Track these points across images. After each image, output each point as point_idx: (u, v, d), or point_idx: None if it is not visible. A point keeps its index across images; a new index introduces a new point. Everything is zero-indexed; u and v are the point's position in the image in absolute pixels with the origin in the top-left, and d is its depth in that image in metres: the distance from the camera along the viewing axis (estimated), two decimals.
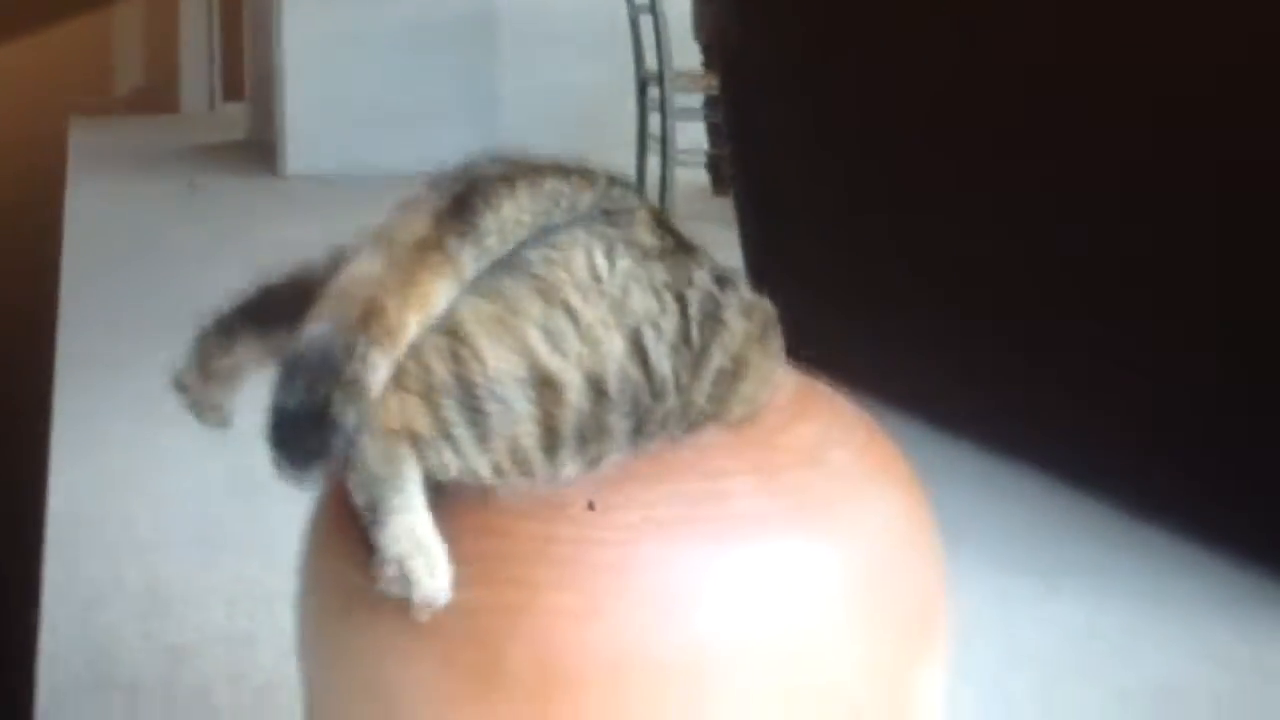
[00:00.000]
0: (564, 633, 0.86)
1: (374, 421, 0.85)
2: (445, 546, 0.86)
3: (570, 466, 0.88)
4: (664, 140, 4.71)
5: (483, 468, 0.87)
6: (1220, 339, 1.92)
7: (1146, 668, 1.68)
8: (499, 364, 0.86)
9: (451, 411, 0.87)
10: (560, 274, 0.88)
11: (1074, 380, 2.10)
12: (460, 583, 0.87)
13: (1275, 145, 1.79)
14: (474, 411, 0.86)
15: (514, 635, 0.86)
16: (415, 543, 0.85)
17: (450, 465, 0.87)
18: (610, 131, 5.02)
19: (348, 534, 0.92)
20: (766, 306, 0.96)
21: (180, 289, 3.64)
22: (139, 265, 4.22)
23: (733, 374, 0.92)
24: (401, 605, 0.87)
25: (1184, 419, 1.96)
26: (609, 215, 0.91)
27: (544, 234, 0.89)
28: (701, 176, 5.29)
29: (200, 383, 0.98)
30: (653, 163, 4.89)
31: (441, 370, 0.87)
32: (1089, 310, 2.10)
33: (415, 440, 0.86)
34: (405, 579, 0.85)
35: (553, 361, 0.87)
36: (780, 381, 0.97)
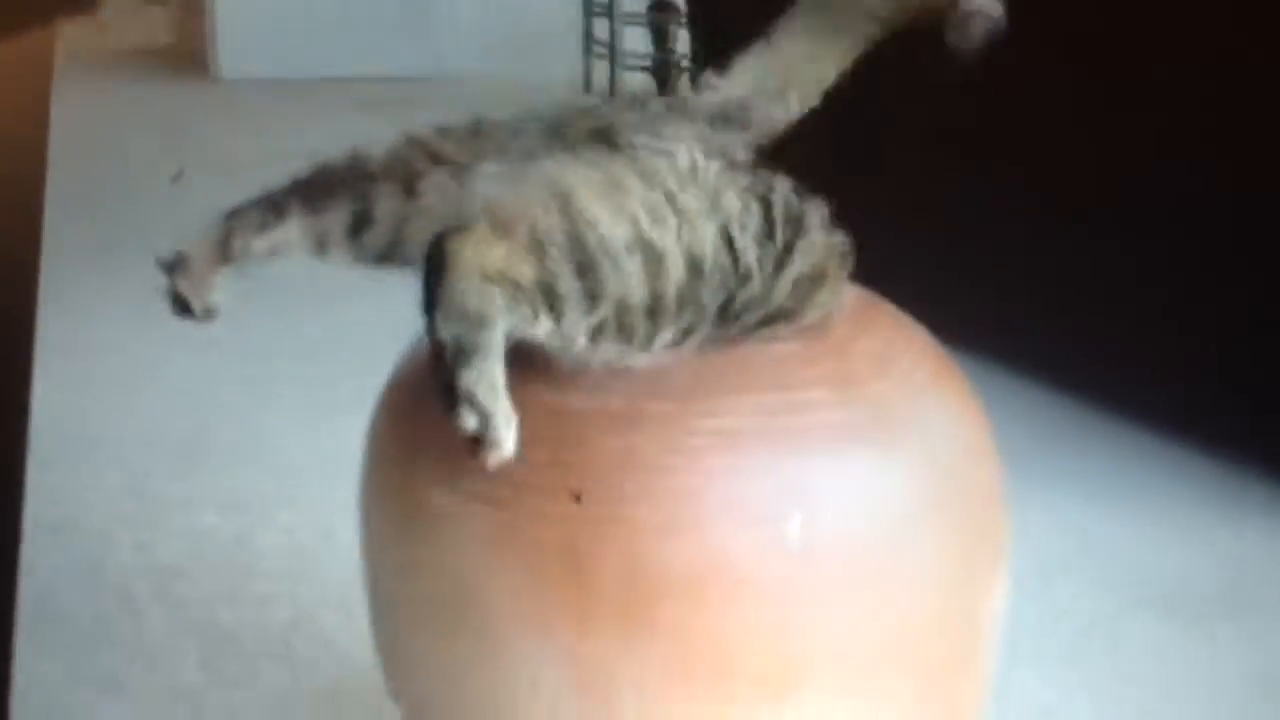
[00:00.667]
0: (649, 544, 0.87)
1: (472, 261, 0.85)
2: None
3: (666, 335, 0.89)
4: (612, 45, 4.67)
5: (579, 329, 0.88)
6: (1219, 234, 1.94)
7: (1147, 566, 1.72)
8: (607, 225, 0.87)
9: (560, 264, 0.87)
10: (662, 163, 0.91)
11: (1066, 279, 2.12)
12: (545, 492, 0.88)
13: None
14: (584, 266, 0.87)
15: (600, 545, 0.87)
16: (493, 386, 0.84)
17: (543, 322, 0.87)
18: (552, 35, 4.96)
19: (420, 442, 0.93)
20: (842, 233, 0.98)
21: (134, 198, 3.57)
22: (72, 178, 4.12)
23: (811, 280, 0.94)
24: (485, 513, 0.88)
25: (1181, 321, 1.98)
26: (722, 121, 0.96)
27: (651, 122, 0.94)
28: (646, 81, 5.23)
29: (210, 266, 0.96)
30: (597, 68, 4.84)
31: (551, 223, 0.87)
32: (1073, 205, 2.11)
33: (514, 289, 0.86)
34: (482, 418, 0.84)
35: (654, 233, 0.88)
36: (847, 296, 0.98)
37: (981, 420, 1.00)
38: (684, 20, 3.13)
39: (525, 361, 0.89)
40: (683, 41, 5.00)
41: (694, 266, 0.89)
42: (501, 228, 0.86)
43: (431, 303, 0.85)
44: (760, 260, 0.91)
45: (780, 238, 0.93)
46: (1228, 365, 1.92)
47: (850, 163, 2.52)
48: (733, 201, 0.92)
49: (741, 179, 0.93)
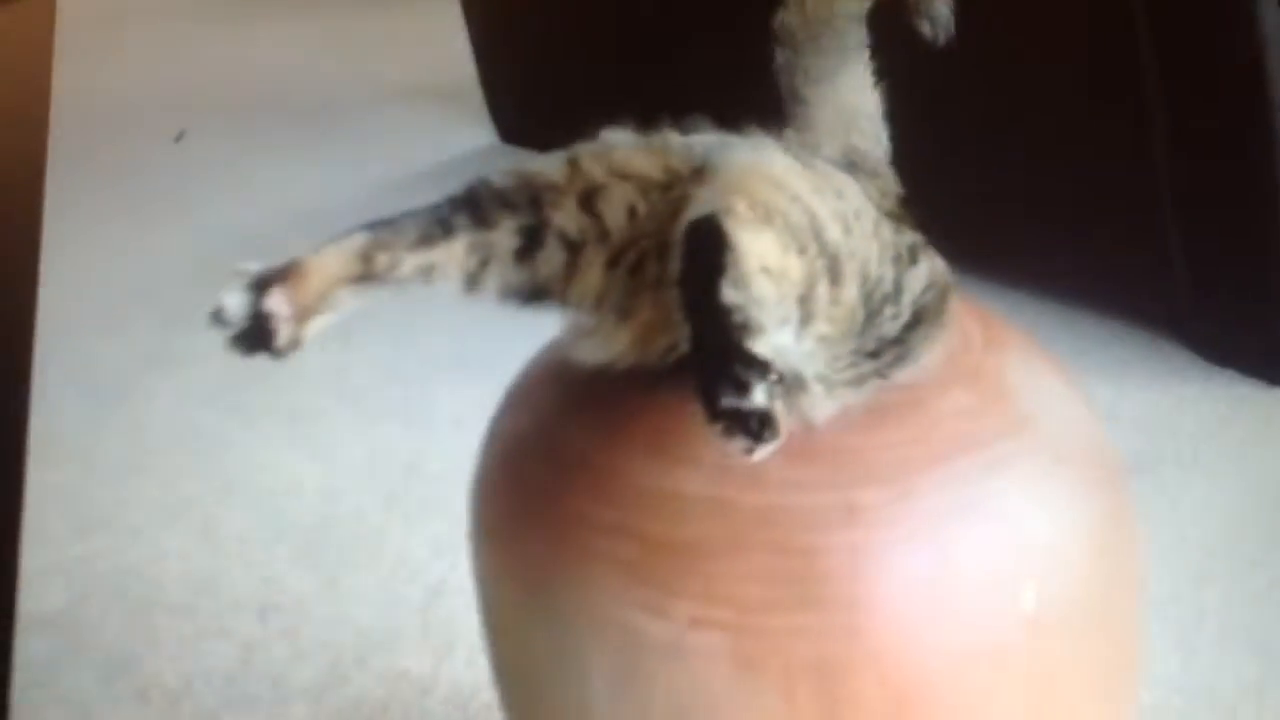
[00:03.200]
0: (899, 643, 0.83)
1: (752, 248, 0.75)
2: None
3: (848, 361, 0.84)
4: None
5: (815, 335, 0.80)
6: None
7: None
8: (830, 226, 0.81)
9: (817, 263, 0.79)
10: (844, 181, 0.85)
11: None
12: (779, 607, 0.83)
13: None
14: (832, 268, 0.80)
15: (851, 654, 0.83)
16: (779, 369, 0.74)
17: (787, 331, 0.78)
18: None
19: (604, 550, 0.86)
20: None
21: None
22: None
23: (937, 309, 0.90)
24: (715, 640, 0.82)
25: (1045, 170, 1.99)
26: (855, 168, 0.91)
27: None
28: None
29: (334, 283, 0.81)
30: None
31: (797, 216, 0.79)
32: None
33: (784, 286, 0.77)
34: (770, 396, 0.72)
35: (851, 244, 0.82)
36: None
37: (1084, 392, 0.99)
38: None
39: (715, 463, 0.83)
40: None
41: (865, 286, 0.83)
42: (761, 212, 0.77)
43: (711, 274, 0.73)
44: (897, 284, 0.86)
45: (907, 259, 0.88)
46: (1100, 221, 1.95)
47: None
48: (886, 233, 0.87)
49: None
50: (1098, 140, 1.90)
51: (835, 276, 0.80)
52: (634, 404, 0.88)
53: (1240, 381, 1.85)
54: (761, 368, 0.71)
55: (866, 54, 0.98)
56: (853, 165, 0.91)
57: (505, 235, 0.85)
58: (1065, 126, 1.93)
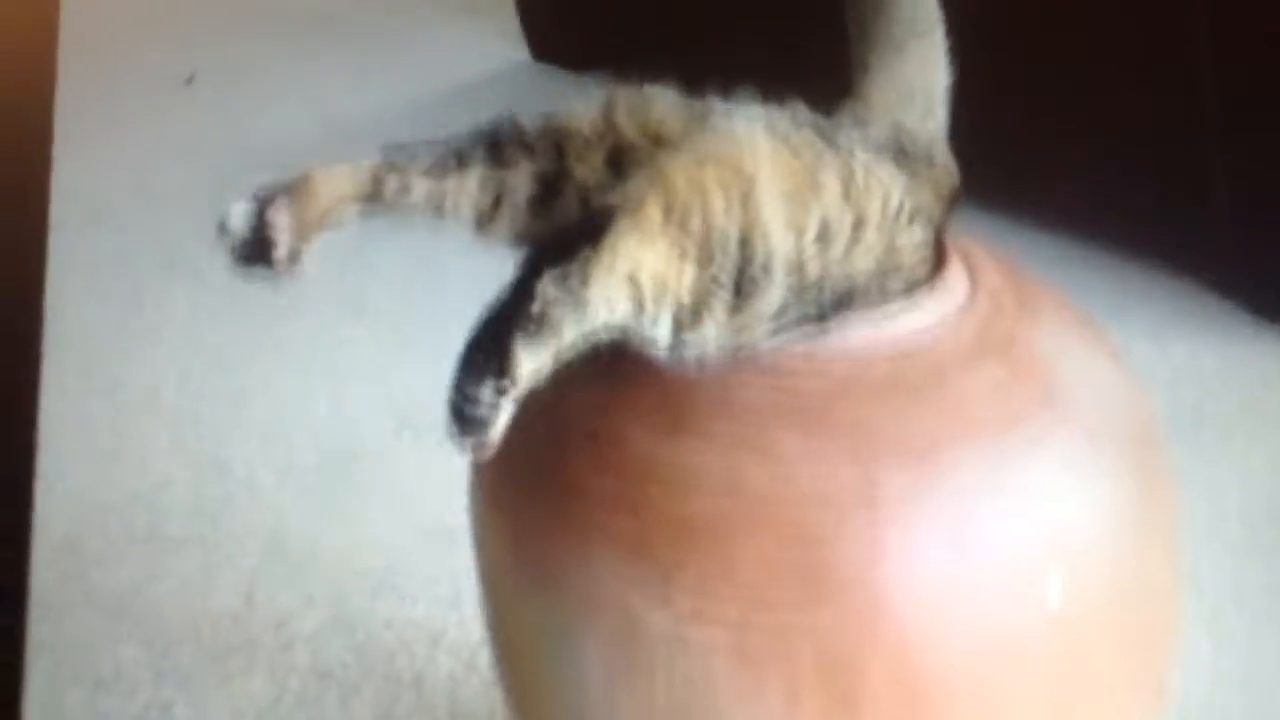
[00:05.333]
0: (916, 636, 0.78)
1: (629, 256, 0.72)
2: None
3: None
4: None
5: (706, 342, 0.77)
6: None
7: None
8: (779, 236, 0.76)
9: (723, 275, 0.75)
10: (873, 182, 0.79)
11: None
12: (788, 601, 0.77)
13: None
14: (744, 282, 0.76)
15: (864, 650, 0.77)
16: (532, 374, 0.72)
17: (663, 326, 0.75)
18: None
19: (605, 528, 0.81)
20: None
21: None
22: None
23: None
24: (716, 635, 0.77)
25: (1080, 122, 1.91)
26: (906, 157, 0.84)
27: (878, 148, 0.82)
28: None
29: (340, 201, 0.81)
30: None
31: (729, 222, 0.75)
32: None
33: (658, 293, 0.74)
34: (500, 395, 0.72)
35: (812, 252, 0.77)
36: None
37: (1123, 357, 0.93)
38: None
39: (726, 435, 0.79)
40: None
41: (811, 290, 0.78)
42: (677, 215, 0.73)
43: (556, 258, 0.71)
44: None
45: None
46: (1150, 168, 1.87)
47: None
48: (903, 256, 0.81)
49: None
50: (1138, 66, 1.81)
51: (749, 288, 0.76)
52: (641, 368, 0.83)
53: None
54: (501, 374, 0.71)
55: (940, 31, 0.92)
56: (902, 152, 0.84)
57: (522, 179, 0.82)
58: (1102, 52, 1.85)
